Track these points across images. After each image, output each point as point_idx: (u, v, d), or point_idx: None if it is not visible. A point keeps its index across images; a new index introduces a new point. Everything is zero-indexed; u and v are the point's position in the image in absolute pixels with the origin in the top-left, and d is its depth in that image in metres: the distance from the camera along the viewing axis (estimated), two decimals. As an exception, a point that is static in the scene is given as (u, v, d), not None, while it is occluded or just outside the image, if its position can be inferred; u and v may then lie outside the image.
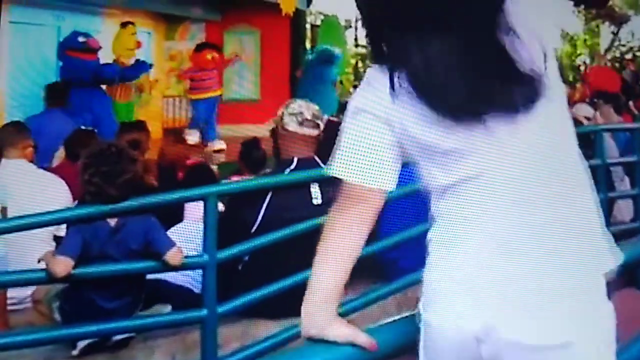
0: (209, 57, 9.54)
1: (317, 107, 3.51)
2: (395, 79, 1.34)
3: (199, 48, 9.75)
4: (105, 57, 8.36)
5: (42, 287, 3.28)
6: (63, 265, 2.79)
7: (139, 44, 8.96)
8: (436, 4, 1.29)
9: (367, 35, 1.49)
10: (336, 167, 1.42)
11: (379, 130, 1.39)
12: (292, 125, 3.38)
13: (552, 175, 1.35)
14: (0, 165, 3.66)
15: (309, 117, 3.39)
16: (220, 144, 9.20)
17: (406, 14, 1.32)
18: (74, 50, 7.81)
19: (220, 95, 9.78)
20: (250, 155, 4.82)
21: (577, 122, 5.75)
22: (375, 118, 1.39)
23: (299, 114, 3.38)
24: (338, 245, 1.45)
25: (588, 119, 6.56)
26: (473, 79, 1.29)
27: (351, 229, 1.44)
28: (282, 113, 3.44)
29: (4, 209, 3.28)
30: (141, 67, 8.70)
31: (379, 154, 1.40)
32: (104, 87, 8.24)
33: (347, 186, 1.41)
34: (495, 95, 1.29)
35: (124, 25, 8.87)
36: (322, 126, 3.47)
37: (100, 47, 8.11)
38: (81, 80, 7.68)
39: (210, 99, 9.50)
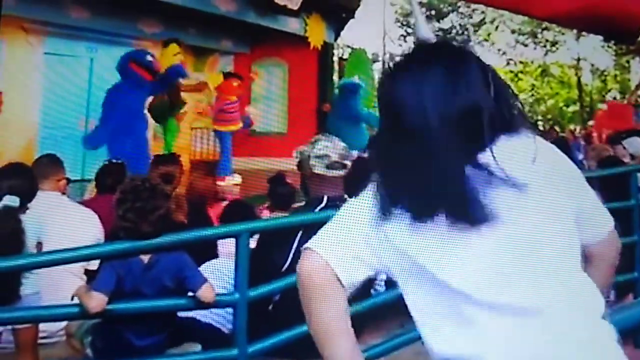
0: (235, 84, 9.60)
1: (343, 145, 3.47)
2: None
3: (226, 76, 9.84)
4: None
5: (74, 321, 3.29)
6: (97, 301, 2.80)
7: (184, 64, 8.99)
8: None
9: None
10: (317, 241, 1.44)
11: (368, 231, 1.42)
12: (319, 169, 3.35)
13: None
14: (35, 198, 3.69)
15: (336, 159, 3.36)
16: (237, 179, 9.21)
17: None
18: (139, 65, 7.74)
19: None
20: (276, 192, 4.83)
21: (618, 161, 5.68)
22: (369, 223, 1.42)
23: (325, 157, 3.34)
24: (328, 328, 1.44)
25: (633, 157, 6.38)
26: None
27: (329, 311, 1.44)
28: (309, 155, 3.40)
29: (39, 244, 3.29)
30: (176, 70, 8.57)
31: (357, 247, 1.42)
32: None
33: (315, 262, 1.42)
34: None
35: (165, 44, 8.90)
36: (349, 164, 3.45)
37: (159, 71, 8.13)
38: (134, 99, 7.67)
39: (231, 133, 9.61)
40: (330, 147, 3.39)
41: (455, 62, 1.43)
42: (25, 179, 3.37)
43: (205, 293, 2.98)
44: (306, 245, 1.44)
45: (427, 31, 3.56)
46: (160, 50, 9.01)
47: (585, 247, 1.49)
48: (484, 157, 1.36)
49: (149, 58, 7.83)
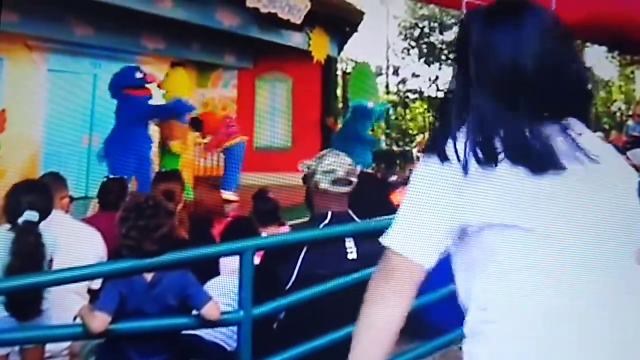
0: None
1: (349, 161, 3.43)
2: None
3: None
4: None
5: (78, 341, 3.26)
6: (100, 321, 2.77)
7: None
8: None
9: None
10: (392, 237, 1.47)
11: (443, 194, 1.43)
12: (324, 184, 3.31)
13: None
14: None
15: (342, 176, 3.33)
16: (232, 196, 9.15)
17: None
18: (132, 88, 7.69)
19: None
20: (259, 208, 4.80)
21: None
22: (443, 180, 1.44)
23: (332, 172, 3.31)
24: (380, 319, 1.47)
25: (636, 168, 6.37)
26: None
27: (392, 302, 1.46)
28: (315, 170, 3.37)
29: (50, 261, 3.27)
30: (180, 106, 8.60)
31: (434, 229, 1.44)
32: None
33: (393, 256, 1.45)
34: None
35: (172, 66, 8.89)
36: (354, 181, 3.41)
37: (154, 80, 8.07)
38: (136, 117, 7.62)
39: (238, 146, 9.54)
40: (337, 163, 3.35)
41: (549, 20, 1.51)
42: (42, 195, 3.37)
43: (209, 311, 2.95)
44: (393, 247, 1.46)
45: None
46: (161, 66, 9.05)
47: None
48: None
49: (138, 75, 7.78)
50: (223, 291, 3.44)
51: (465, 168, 1.40)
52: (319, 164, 3.34)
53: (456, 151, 1.41)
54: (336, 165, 3.32)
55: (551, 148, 1.38)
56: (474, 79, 1.46)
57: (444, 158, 1.43)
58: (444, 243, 1.45)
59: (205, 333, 3.35)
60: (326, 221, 3.32)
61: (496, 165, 1.37)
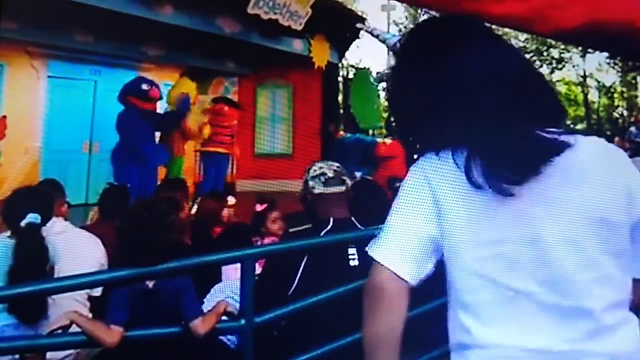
0: (226, 108, 9.52)
1: (337, 164, 3.47)
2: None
3: (216, 101, 9.75)
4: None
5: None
6: (117, 335, 2.77)
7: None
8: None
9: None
10: (378, 249, 1.47)
11: (424, 214, 1.43)
12: (318, 188, 3.33)
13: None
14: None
15: (331, 175, 3.35)
16: (231, 200, 9.08)
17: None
18: (136, 97, 7.62)
19: (230, 154, 9.70)
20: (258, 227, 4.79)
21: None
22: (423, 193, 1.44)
23: (322, 175, 3.35)
24: (380, 340, 1.46)
25: None
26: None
27: (386, 321, 1.45)
28: (305, 179, 3.40)
29: (51, 268, 3.25)
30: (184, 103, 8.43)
31: (418, 243, 1.43)
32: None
33: (379, 268, 1.45)
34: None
35: (182, 76, 8.88)
36: (348, 181, 3.42)
37: (160, 97, 7.99)
38: (137, 127, 7.58)
39: (221, 155, 9.47)
40: (324, 167, 3.40)
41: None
42: (44, 200, 3.37)
43: (198, 326, 2.90)
44: (375, 256, 1.45)
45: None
46: (161, 73, 9.02)
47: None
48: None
49: (144, 87, 7.70)
50: (229, 295, 3.43)
51: (447, 184, 1.40)
52: (307, 173, 3.38)
53: (438, 166, 1.43)
54: (324, 169, 3.36)
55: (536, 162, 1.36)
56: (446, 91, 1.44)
57: (427, 171, 1.44)
58: (428, 258, 1.43)
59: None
60: (328, 228, 3.30)
61: (479, 187, 1.36)
